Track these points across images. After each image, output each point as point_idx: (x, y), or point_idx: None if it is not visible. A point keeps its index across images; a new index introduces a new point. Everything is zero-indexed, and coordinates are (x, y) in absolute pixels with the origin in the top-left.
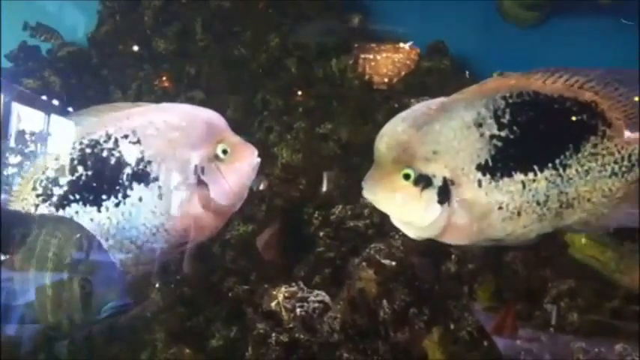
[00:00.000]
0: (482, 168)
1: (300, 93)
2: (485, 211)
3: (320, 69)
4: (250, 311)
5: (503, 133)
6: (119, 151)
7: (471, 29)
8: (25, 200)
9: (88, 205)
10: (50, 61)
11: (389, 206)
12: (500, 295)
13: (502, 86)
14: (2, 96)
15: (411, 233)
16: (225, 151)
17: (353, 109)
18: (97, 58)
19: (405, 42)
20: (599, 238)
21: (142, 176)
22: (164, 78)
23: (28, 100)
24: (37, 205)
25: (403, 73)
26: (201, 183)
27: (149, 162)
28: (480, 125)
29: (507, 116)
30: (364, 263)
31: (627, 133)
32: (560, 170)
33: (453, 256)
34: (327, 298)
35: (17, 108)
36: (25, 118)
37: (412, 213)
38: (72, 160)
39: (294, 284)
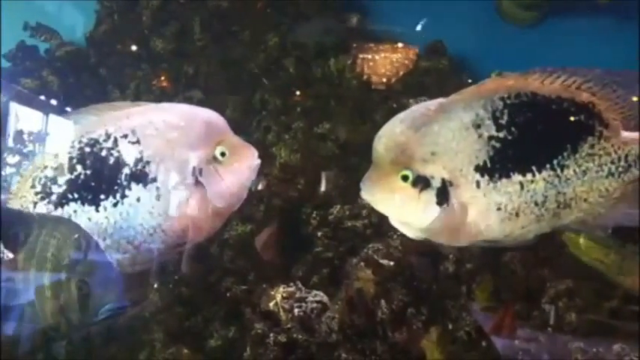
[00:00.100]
0: (480, 169)
1: (298, 93)
2: (483, 212)
3: (318, 69)
4: (248, 311)
5: (501, 134)
6: (118, 151)
7: (470, 29)
8: (23, 198)
9: (86, 205)
10: (48, 60)
11: (387, 207)
12: (499, 295)
13: (500, 87)
14: (1, 96)
15: (410, 233)
16: (223, 154)
17: (351, 108)
18: (95, 58)
19: (403, 42)
20: (603, 240)
21: (140, 177)
22: (162, 78)
23: (26, 100)
24: (35, 203)
25: (401, 73)
26: (198, 184)
27: (147, 162)
28: (478, 126)
29: (505, 117)
30: (362, 263)
31: (624, 134)
32: (558, 171)
33: (451, 256)
34: (325, 298)
35: (15, 108)
36: (23, 117)
37: (411, 214)
38: (71, 158)
39: (292, 284)
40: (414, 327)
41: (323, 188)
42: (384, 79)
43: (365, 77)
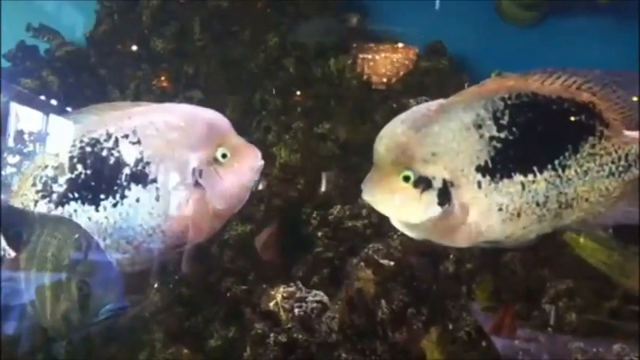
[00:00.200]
0: (481, 169)
1: (298, 93)
2: (485, 213)
3: (318, 69)
4: (249, 311)
5: (502, 135)
6: (118, 151)
7: (470, 29)
8: (24, 196)
9: (86, 204)
10: (48, 60)
11: (389, 208)
12: (499, 295)
13: (501, 87)
14: (1, 96)
15: (411, 234)
16: (224, 155)
17: (351, 109)
18: (95, 58)
19: (403, 42)
20: (606, 241)
21: (140, 177)
22: (162, 78)
23: (26, 100)
24: (36, 201)
25: (401, 73)
26: (198, 186)
27: (148, 163)
28: (479, 127)
29: (506, 117)
30: (362, 263)
31: (624, 133)
32: (560, 171)
33: (451, 256)
34: (325, 298)
35: (15, 108)
36: (23, 117)
37: (412, 215)
38: (71, 158)
39: (292, 284)
40: (414, 327)
41: (323, 188)
42: (384, 79)
43: (365, 77)
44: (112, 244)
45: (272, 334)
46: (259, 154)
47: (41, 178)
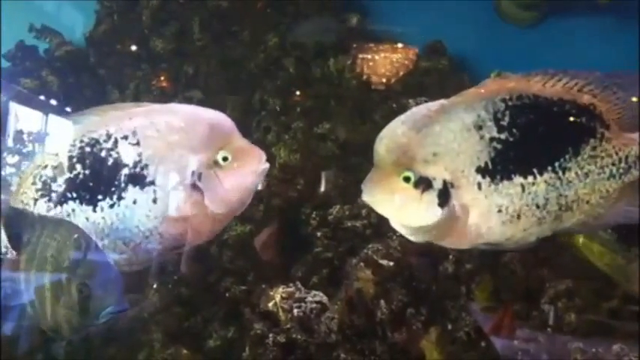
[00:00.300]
0: (482, 170)
1: (298, 93)
2: (484, 214)
3: (318, 69)
4: (248, 311)
5: (502, 136)
6: (117, 152)
7: (469, 29)
8: (24, 194)
9: (84, 204)
10: (48, 60)
11: (389, 209)
12: (498, 296)
13: (502, 89)
14: (0, 96)
15: (411, 236)
16: (225, 158)
17: (351, 109)
18: (94, 58)
19: (403, 42)
20: (610, 244)
21: (137, 179)
22: (162, 78)
23: (25, 100)
24: (36, 200)
25: (401, 73)
26: (196, 189)
27: (146, 165)
28: (479, 128)
29: (507, 119)
30: (362, 263)
31: (623, 135)
32: (560, 173)
33: (450, 257)
34: (324, 299)
35: (15, 108)
36: (23, 117)
37: (412, 216)
38: (71, 157)
39: (291, 285)
40: (414, 327)
41: (322, 188)
42: (384, 80)
43: (365, 77)
44: (110, 244)
45: (271, 335)
46: (264, 157)
47: (41, 177)
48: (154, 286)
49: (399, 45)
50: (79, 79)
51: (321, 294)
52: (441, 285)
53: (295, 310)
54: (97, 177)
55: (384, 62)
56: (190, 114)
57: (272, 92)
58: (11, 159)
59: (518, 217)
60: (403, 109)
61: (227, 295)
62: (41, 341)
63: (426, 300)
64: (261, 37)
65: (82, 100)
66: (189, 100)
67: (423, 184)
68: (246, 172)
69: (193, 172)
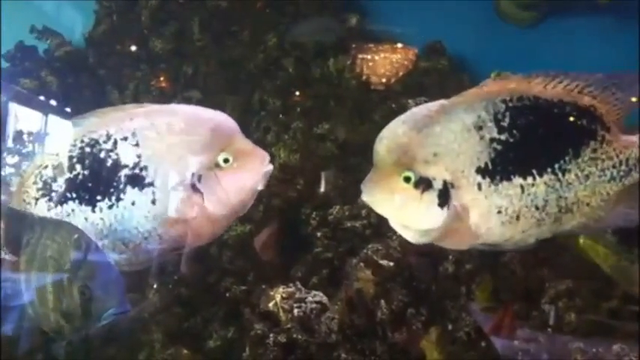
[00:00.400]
0: (481, 171)
1: (297, 93)
2: (484, 215)
3: (317, 69)
4: (248, 312)
5: (503, 137)
6: (117, 153)
7: (469, 29)
8: (26, 193)
9: (83, 204)
10: (47, 61)
11: (389, 209)
12: (498, 296)
13: (502, 89)
14: (0, 96)
15: (410, 237)
16: (226, 160)
17: (350, 109)
18: (94, 58)
19: (402, 42)
20: (613, 246)
21: (136, 180)
22: (161, 78)
23: (25, 100)
24: (37, 199)
25: (401, 74)
26: (196, 191)
27: (145, 166)
28: (480, 128)
29: (507, 120)
30: (362, 264)
31: (623, 137)
32: (560, 175)
33: (450, 257)
34: (324, 299)
35: (15, 108)
36: (22, 118)
37: (412, 216)
38: (71, 157)
39: (291, 285)
40: (414, 327)
41: (322, 188)
42: (384, 80)
43: (364, 77)
44: (109, 244)
45: (271, 335)
46: (267, 159)
47: (42, 176)
48: (154, 286)
49: (399, 45)
50: (79, 79)
51: (321, 294)
52: (441, 285)
53: (295, 310)
54: (96, 178)
55: (383, 62)
56: (192, 115)
57: (272, 92)
58: (11, 159)
59: (518, 218)
60: (403, 109)
61: (227, 295)
62: (41, 341)
63: (426, 300)
64: (260, 37)
65: (81, 101)
66: (188, 101)
67: (424, 184)
68: (247, 173)
69: (193, 174)
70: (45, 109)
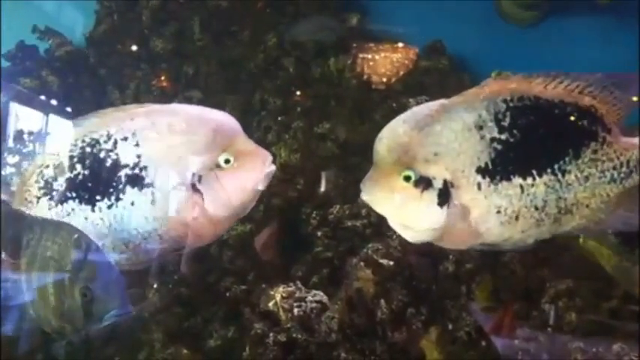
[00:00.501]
0: (481, 171)
1: (298, 93)
2: (483, 215)
3: (318, 68)
4: (248, 311)
5: (503, 137)
6: (116, 153)
7: (469, 29)
8: (28, 192)
9: (83, 204)
10: (48, 60)
11: (388, 208)
12: (498, 295)
13: (503, 89)
14: (0, 96)
15: (410, 236)
16: (227, 161)
17: (351, 108)
18: (94, 58)
19: (403, 42)
20: (615, 247)
21: (136, 180)
22: (162, 78)
23: (26, 100)
24: (38, 198)
25: (401, 73)
26: (196, 191)
27: (145, 166)
28: (480, 128)
29: (508, 119)
30: (362, 263)
31: (623, 139)
32: (559, 176)
33: (450, 256)
34: (324, 298)
35: (15, 108)
36: (23, 117)
37: (412, 215)
38: (71, 157)
39: (291, 284)
40: (414, 327)
41: (323, 188)
42: (384, 79)
43: (365, 77)
44: (109, 244)
45: (271, 334)
46: (269, 159)
47: (43, 175)
48: (154, 286)
49: (399, 44)
50: (79, 79)
51: (321, 293)
52: (441, 285)
53: (295, 310)
54: (96, 177)
55: (384, 62)
56: (193, 115)
57: (272, 92)
58: (11, 159)
59: (517, 218)
60: (403, 108)
61: (227, 294)
62: (41, 341)
63: (426, 300)
64: (260, 37)
65: (82, 100)
66: (189, 100)
67: (424, 183)
68: (248, 174)
69: (193, 174)
70: (46, 108)
